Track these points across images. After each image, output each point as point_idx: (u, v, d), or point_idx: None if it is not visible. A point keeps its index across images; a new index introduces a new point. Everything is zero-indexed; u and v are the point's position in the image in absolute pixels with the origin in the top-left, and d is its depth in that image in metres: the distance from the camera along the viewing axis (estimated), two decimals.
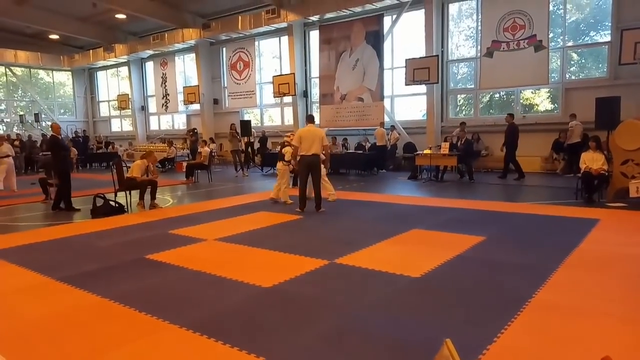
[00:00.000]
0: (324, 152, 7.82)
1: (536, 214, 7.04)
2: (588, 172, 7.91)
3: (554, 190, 9.69)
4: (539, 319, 3.19)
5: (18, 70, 24.40)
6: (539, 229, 6.08)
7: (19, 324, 3.38)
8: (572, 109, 12.34)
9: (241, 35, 18.58)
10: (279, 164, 8.95)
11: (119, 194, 8.65)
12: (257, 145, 17.34)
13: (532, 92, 13.86)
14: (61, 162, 8.67)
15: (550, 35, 12.56)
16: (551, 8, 12.52)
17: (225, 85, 20.20)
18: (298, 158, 7.75)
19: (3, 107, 24.39)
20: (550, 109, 13.58)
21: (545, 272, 4.15)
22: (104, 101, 26.55)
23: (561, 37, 12.90)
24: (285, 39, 17.74)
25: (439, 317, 3.29)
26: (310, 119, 8.10)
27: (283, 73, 17.86)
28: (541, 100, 13.89)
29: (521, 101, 13.87)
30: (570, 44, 12.85)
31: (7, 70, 23.93)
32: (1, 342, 2.84)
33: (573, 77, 12.98)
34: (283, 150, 8.86)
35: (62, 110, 26.29)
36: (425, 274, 4.24)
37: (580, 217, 6.63)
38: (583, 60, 13.12)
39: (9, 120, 24.08)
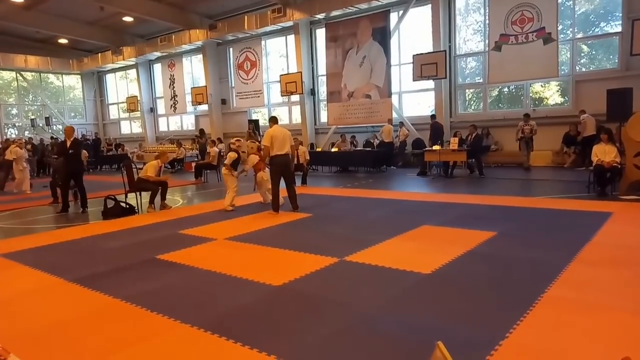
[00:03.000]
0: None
1: (547, 208, 6.96)
2: (600, 165, 7.80)
3: (566, 183, 9.58)
4: (552, 315, 3.15)
5: (28, 75, 24.69)
6: (550, 223, 6.02)
7: (32, 325, 3.41)
8: (582, 101, 12.20)
9: (248, 35, 18.61)
10: (225, 170, 8.28)
11: (129, 195, 8.72)
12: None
13: (541, 85, 13.72)
14: (64, 165, 8.78)
15: (560, 27, 12.42)
16: (560, 0, 12.37)
17: (233, 85, 20.26)
18: (268, 159, 7.56)
19: (15, 111, 24.71)
20: (560, 102, 13.43)
21: (557, 267, 4.10)
22: (113, 104, 26.77)
23: (570, 29, 12.74)
24: (291, 37, 17.73)
25: (450, 314, 3.27)
26: (275, 120, 7.83)
27: (290, 72, 17.86)
28: (551, 94, 13.74)
29: (531, 95, 13.73)
30: (580, 35, 12.69)
31: (18, 75, 24.21)
32: (15, 343, 2.88)
33: (583, 69, 12.82)
34: (229, 156, 8.29)
35: (72, 114, 26.56)
36: (436, 270, 4.21)
37: (593, 211, 6.55)
38: (593, 52, 12.95)
39: (20, 124, 24.40)
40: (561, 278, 3.85)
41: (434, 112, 14.39)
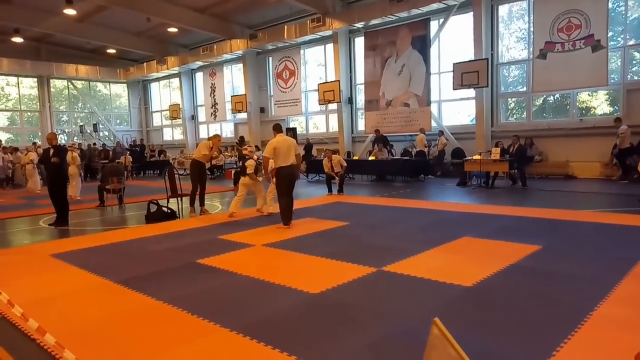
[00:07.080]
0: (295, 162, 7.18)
1: (596, 222, 6.65)
2: None
3: (615, 197, 9.15)
4: (603, 334, 3.00)
5: (79, 84, 25.94)
6: (599, 238, 5.75)
7: (80, 324, 3.54)
8: (634, 111, 11.67)
9: (287, 44, 18.87)
10: (245, 179, 8.36)
11: (171, 200, 8.95)
12: (302, 152, 17.50)
13: (589, 94, 13.20)
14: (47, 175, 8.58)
15: (610, 34, 11.93)
16: (610, 5, 11.89)
17: (272, 94, 20.55)
18: (272, 170, 7.31)
19: (65, 118, 25.98)
20: (609, 112, 12.87)
21: (608, 285, 3.90)
22: (156, 111, 27.70)
23: (622, 36, 12.23)
24: (330, 46, 17.85)
25: (493, 328, 3.16)
26: (278, 128, 7.35)
27: (328, 80, 17.96)
28: (599, 103, 13.20)
29: (577, 104, 13.23)
30: (632, 42, 12.15)
31: (69, 83, 25.50)
32: (64, 339, 2.98)
33: (635, 78, 12.24)
34: (245, 164, 8.30)
35: (118, 121, 27.66)
36: (477, 283, 4.09)
37: None
38: None
39: (69, 130, 25.59)
40: (612, 296, 3.66)
41: (377, 128, 15.49)
